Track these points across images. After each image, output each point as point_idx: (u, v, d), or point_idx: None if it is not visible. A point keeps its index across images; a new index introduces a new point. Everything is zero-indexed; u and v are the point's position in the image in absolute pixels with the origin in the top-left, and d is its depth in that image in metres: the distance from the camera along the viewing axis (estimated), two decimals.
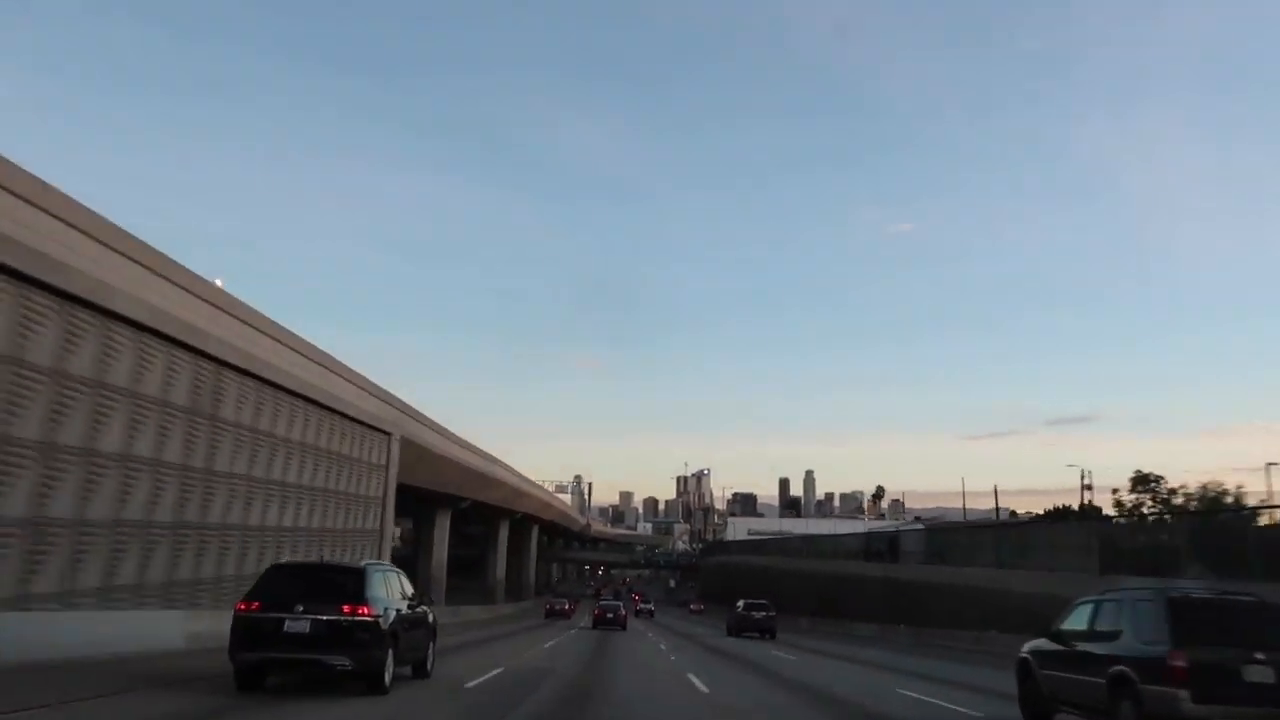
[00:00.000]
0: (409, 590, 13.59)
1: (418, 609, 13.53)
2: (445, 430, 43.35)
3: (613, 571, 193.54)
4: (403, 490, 44.48)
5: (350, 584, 11.56)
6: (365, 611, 11.15)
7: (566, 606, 63.81)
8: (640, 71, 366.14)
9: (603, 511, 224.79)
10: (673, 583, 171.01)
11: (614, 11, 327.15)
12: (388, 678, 11.56)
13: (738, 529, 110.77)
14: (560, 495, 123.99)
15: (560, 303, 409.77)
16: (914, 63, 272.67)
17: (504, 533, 79.71)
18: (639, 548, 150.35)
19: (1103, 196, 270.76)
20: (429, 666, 14.12)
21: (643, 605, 75.16)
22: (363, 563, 12.72)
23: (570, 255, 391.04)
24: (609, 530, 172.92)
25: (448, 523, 57.88)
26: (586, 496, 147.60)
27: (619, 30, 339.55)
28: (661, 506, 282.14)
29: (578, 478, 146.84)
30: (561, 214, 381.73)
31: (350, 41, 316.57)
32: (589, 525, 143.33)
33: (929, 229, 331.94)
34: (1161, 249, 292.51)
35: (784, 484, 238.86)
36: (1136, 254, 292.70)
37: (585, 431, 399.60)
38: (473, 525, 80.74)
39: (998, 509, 74.85)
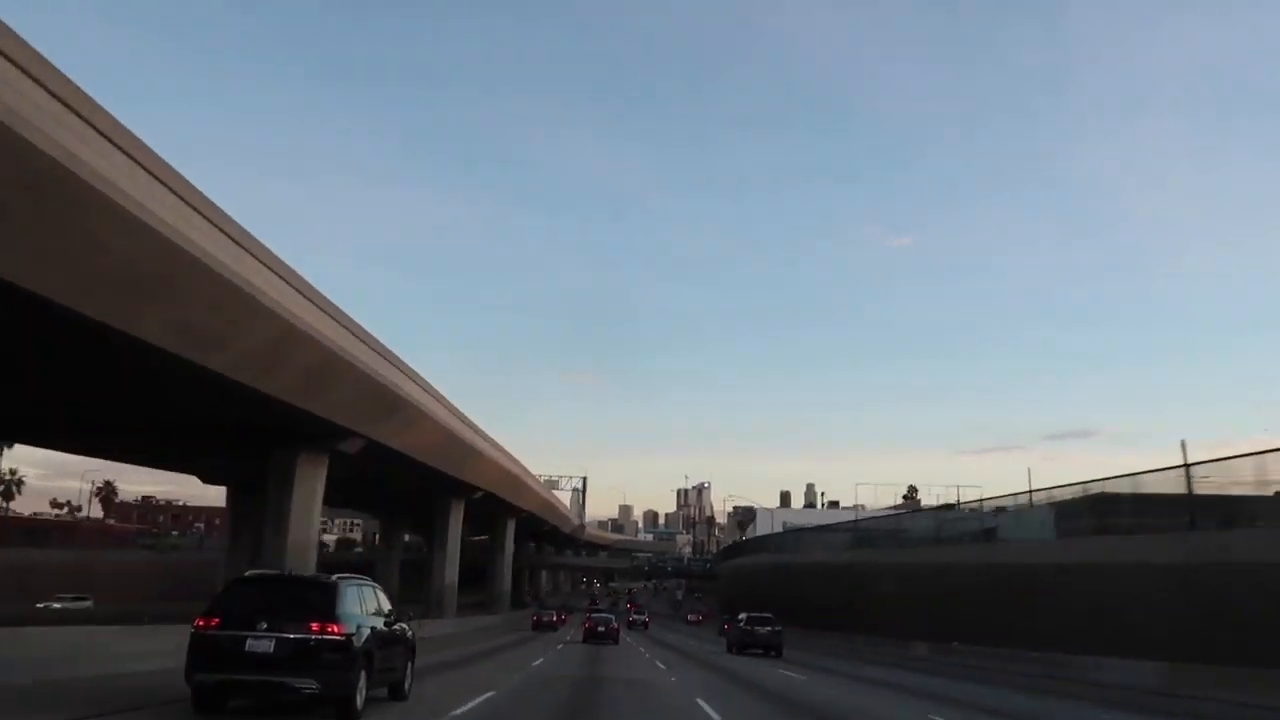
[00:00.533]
0: (386, 605, 12.78)
1: (395, 626, 12.82)
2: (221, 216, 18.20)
3: (611, 584, 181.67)
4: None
5: (319, 599, 10.69)
6: (335, 629, 10.30)
7: (555, 618, 61.87)
8: (638, 87, 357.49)
9: (601, 525, 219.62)
10: (679, 594, 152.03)
11: (614, 26, 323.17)
12: (359, 702, 10.75)
13: (774, 521, 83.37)
14: (559, 495, 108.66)
15: (555, 318, 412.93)
16: (911, 78, 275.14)
17: (455, 520, 54.57)
18: (640, 555, 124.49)
19: (1101, 212, 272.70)
20: (406, 688, 13.38)
21: (635, 616, 72.56)
22: (334, 576, 11.55)
23: (564, 269, 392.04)
24: (608, 535, 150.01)
25: (320, 477, 32.97)
26: (582, 493, 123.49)
27: (619, 46, 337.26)
28: (662, 520, 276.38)
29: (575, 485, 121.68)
30: (554, 227, 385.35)
31: (345, 51, 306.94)
32: (583, 527, 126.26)
33: (928, 243, 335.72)
34: (1159, 265, 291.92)
35: (785, 496, 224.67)
36: (1134, 269, 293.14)
37: (582, 445, 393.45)
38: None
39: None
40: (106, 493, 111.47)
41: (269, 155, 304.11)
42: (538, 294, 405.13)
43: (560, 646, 35.29)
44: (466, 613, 60.17)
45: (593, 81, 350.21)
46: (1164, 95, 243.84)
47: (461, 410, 45.00)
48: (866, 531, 52.83)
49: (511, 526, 77.22)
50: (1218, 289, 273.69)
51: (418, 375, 36.93)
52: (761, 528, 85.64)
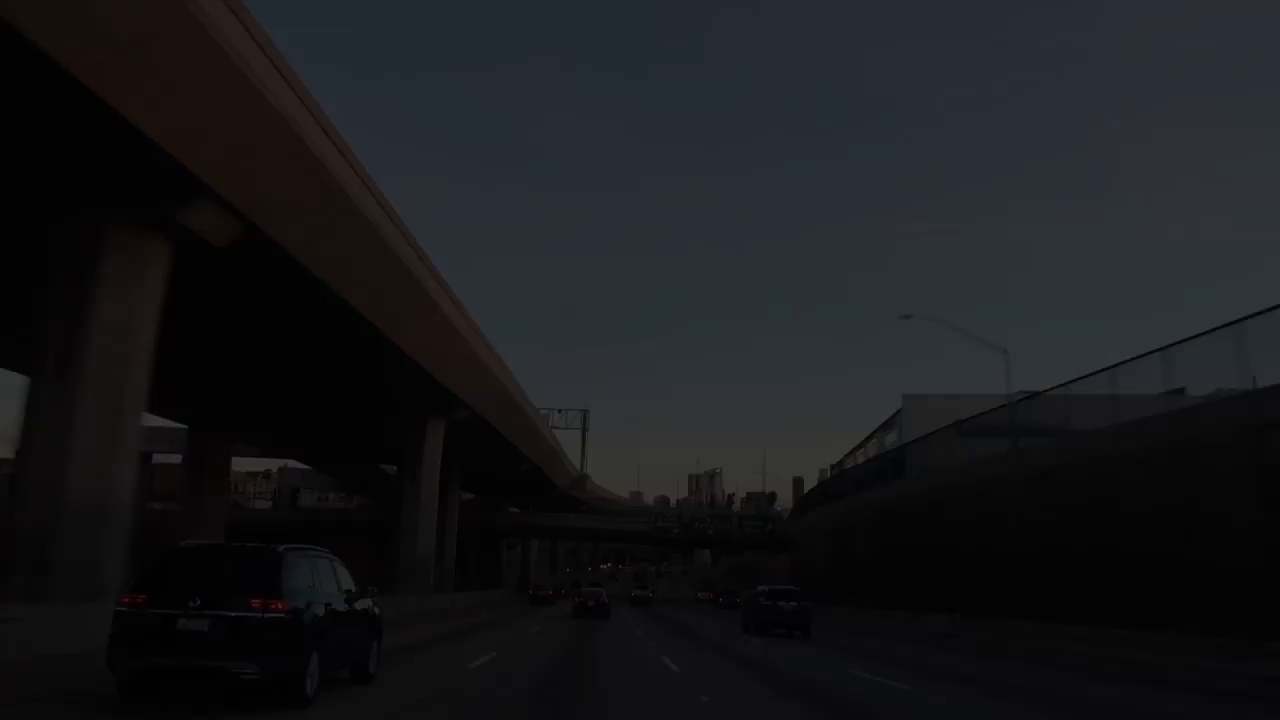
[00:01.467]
0: (345, 580, 12.02)
1: (356, 602, 12.06)
2: None
3: (622, 566, 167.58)
4: None
5: (261, 572, 9.69)
6: (279, 606, 9.30)
7: (550, 594, 68.52)
8: (646, 74, 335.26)
9: None
10: (715, 576, 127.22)
11: (621, 12, 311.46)
12: (310, 686, 9.80)
13: (934, 414, 41.53)
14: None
15: (560, 304, 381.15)
16: (921, 62, 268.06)
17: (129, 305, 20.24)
18: (665, 519, 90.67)
19: (1111, 198, 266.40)
20: (372, 670, 12.54)
21: (637, 591, 70.46)
22: (281, 547, 10.56)
23: (567, 257, 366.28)
24: (619, 497, 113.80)
25: None
26: (582, 434, 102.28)
27: (628, 30, 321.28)
28: (673, 505, 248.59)
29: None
30: (561, 210, 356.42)
31: (354, 35, 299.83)
32: (585, 481, 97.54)
33: (940, 230, 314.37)
34: (1171, 250, 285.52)
35: (798, 483, 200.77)
36: (1145, 255, 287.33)
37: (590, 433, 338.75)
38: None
39: None
40: None
41: None
42: (541, 281, 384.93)
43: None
44: None
45: (602, 70, 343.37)
46: (1182, 84, 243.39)
47: None
48: None
49: (437, 436, 45.43)
50: (1230, 277, 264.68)
51: None
52: (909, 431, 46.70)
